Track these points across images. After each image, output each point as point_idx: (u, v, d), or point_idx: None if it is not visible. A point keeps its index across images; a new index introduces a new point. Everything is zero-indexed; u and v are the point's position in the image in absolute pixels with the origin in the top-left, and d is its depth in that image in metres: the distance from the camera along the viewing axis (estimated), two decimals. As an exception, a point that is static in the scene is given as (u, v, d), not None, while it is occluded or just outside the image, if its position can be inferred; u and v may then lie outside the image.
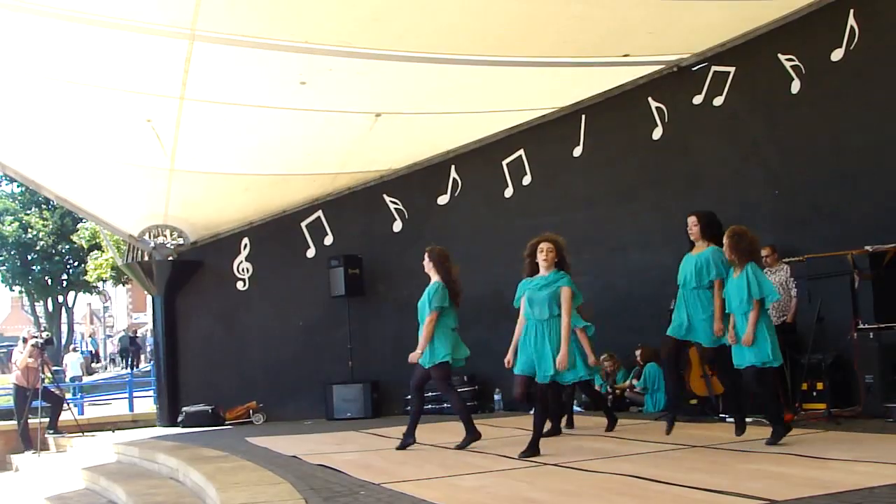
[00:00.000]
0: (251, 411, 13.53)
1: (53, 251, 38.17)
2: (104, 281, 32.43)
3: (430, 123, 11.96)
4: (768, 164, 10.24)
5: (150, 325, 24.67)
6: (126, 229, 14.08)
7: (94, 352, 44.17)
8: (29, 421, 13.49)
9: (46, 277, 40.11)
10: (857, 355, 8.33)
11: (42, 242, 37.30)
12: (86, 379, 29.41)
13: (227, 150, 11.88)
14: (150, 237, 13.98)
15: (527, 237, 7.61)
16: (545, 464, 6.70)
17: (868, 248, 8.53)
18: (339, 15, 8.69)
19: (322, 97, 10.55)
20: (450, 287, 8.16)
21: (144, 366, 33.05)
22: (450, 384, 8.27)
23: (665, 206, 10.97)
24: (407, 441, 8.22)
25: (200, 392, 13.77)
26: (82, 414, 16.88)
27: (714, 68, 10.67)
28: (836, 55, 9.42)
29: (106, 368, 43.17)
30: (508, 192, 12.83)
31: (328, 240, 14.03)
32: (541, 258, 7.22)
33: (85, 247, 30.04)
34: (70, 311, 45.61)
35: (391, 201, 13.80)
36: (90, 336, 56.92)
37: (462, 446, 7.93)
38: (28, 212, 37.60)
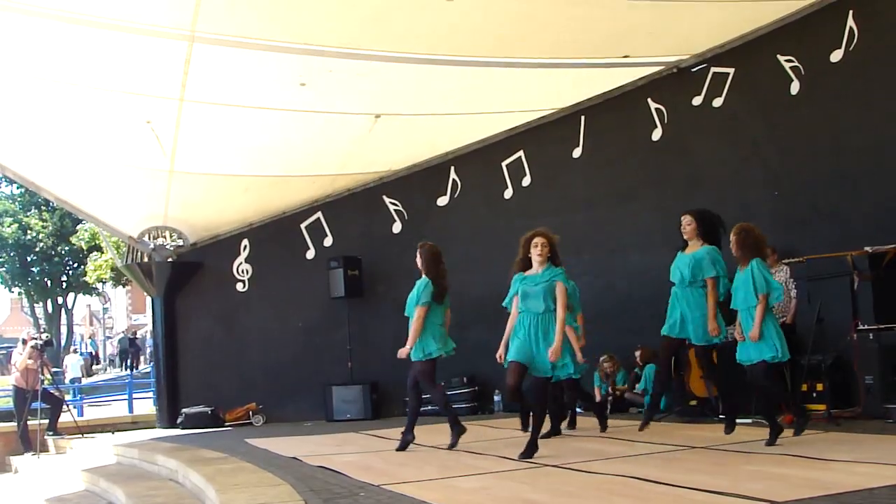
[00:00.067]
0: (251, 413, 13.54)
1: (53, 252, 38.17)
2: (104, 282, 32.41)
3: (429, 124, 11.96)
4: (768, 165, 10.24)
5: (149, 327, 24.68)
6: (126, 231, 14.08)
7: (93, 353, 44.13)
8: (28, 422, 13.49)
9: (46, 279, 40.13)
10: (857, 356, 8.33)
11: (41, 244, 37.29)
12: (85, 380, 29.40)
13: (227, 151, 11.88)
14: (149, 238, 13.97)
15: (526, 238, 7.61)
16: (545, 465, 6.69)
17: (868, 248, 8.52)
18: (339, 16, 8.70)
19: (322, 98, 10.56)
20: (436, 283, 8.21)
21: (144, 367, 33.05)
22: (434, 380, 8.30)
23: (665, 207, 10.96)
24: (406, 438, 8.23)
25: (200, 393, 13.77)
26: (82, 415, 16.88)
27: (713, 69, 10.67)
28: (836, 56, 9.42)
29: (105, 370, 43.14)
30: (508, 194, 12.83)
31: (328, 241, 14.03)
32: (535, 253, 7.18)
33: (84, 248, 30.06)
34: (69, 313, 45.62)
35: (391, 202, 13.80)
36: (90, 337, 56.92)
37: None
38: (28, 213, 37.61)
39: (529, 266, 7.26)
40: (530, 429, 7.24)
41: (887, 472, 5.34)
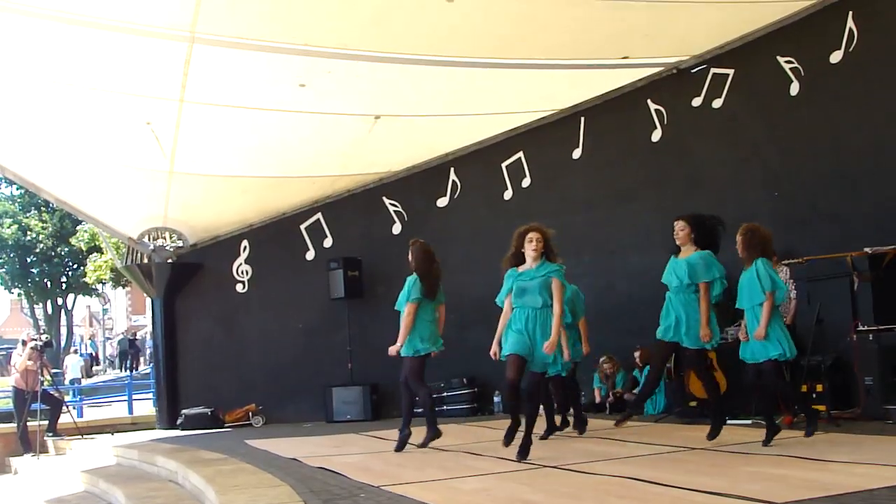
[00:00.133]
0: (251, 414, 13.54)
1: (53, 254, 38.18)
2: (103, 283, 32.42)
3: (429, 126, 11.97)
4: (767, 166, 10.25)
5: (149, 328, 24.67)
6: (125, 232, 14.08)
7: (93, 354, 44.13)
8: (28, 424, 13.48)
9: (46, 280, 40.14)
10: (857, 357, 8.33)
11: (41, 245, 37.30)
12: (85, 381, 29.39)
13: (227, 152, 11.89)
14: (149, 240, 13.98)
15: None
16: (545, 466, 6.69)
17: (867, 249, 8.52)
18: (339, 17, 8.71)
19: (321, 99, 10.56)
20: (424, 280, 8.25)
21: (144, 368, 33.04)
22: (422, 378, 8.30)
23: (665, 208, 10.94)
24: (404, 434, 8.25)
25: (200, 394, 13.77)
26: (81, 416, 16.87)
27: (713, 70, 10.68)
28: (836, 57, 9.43)
29: (105, 371, 43.14)
30: (508, 195, 12.84)
31: (327, 242, 14.03)
32: (530, 248, 7.02)
33: (84, 249, 30.06)
34: (69, 314, 45.62)
35: (390, 203, 13.81)
36: (90, 338, 56.92)
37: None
38: (27, 214, 37.61)
39: (522, 261, 7.11)
40: (523, 428, 7.13)
41: (887, 473, 5.34)
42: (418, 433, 8.27)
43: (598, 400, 11.34)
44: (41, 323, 44.46)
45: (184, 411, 13.54)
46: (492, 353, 7.16)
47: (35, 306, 45.33)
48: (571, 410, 9.18)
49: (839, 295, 8.65)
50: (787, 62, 9.89)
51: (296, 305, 14.03)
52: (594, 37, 9.76)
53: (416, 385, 8.29)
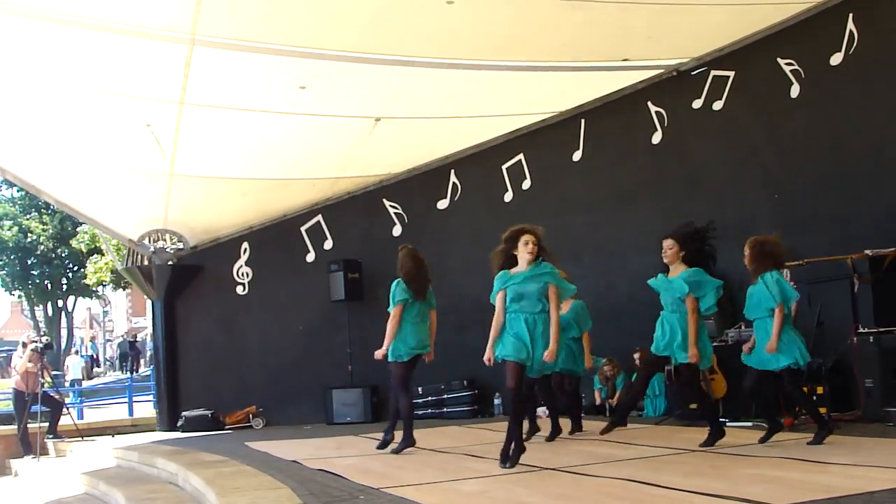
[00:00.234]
0: (251, 416, 13.54)
1: (53, 255, 38.19)
2: (104, 285, 32.42)
3: (429, 128, 11.97)
4: (767, 168, 10.25)
5: (149, 330, 24.64)
6: (126, 234, 14.08)
7: (94, 356, 44.15)
8: (28, 425, 13.48)
9: (46, 282, 40.15)
10: (857, 359, 8.33)
11: (42, 247, 37.31)
12: (86, 383, 29.39)
13: (227, 154, 11.89)
14: (149, 242, 13.99)
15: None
16: (544, 468, 6.68)
17: (868, 251, 8.53)
18: (339, 19, 8.71)
19: (322, 102, 10.56)
20: (409, 283, 8.29)
21: (144, 370, 33.03)
22: (406, 384, 8.35)
23: (665, 210, 10.97)
24: (385, 438, 8.43)
25: (200, 396, 13.77)
26: (82, 418, 16.87)
27: (713, 72, 10.68)
28: (836, 59, 9.43)
29: (106, 373, 43.15)
30: (508, 197, 12.83)
31: (328, 244, 14.03)
32: (525, 251, 6.82)
33: (84, 251, 30.08)
34: (70, 316, 45.63)
35: (391, 206, 13.80)
36: (90, 340, 56.92)
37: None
38: (28, 216, 37.62)
39: (513, 261, 6.93)
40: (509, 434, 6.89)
41: (887, 476, 5.33)
42: (419, 437, 8.28)
43: (598, 402, 11.34)
44: (41, 325, 44.49)
45: (184, 413, 13.54)
46: (486, 359, 6.85)
47: (35, 308, 45.37)
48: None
49: (839, 297, 8.65)
50: (787, 64, 9.89)
51: (296, 307, 14.03)
52: (594, 39, 9.76)
53: (398, 391, 8.36)
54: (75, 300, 45.02)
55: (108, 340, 59.67)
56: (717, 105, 10.64)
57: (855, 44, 9.25)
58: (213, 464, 8.29)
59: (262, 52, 9.04)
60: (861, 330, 8.36)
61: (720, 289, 7.41)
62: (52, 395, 14.21)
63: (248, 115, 10.68)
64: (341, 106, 10.80)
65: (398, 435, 8.30)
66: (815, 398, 8.23)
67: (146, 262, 14.16)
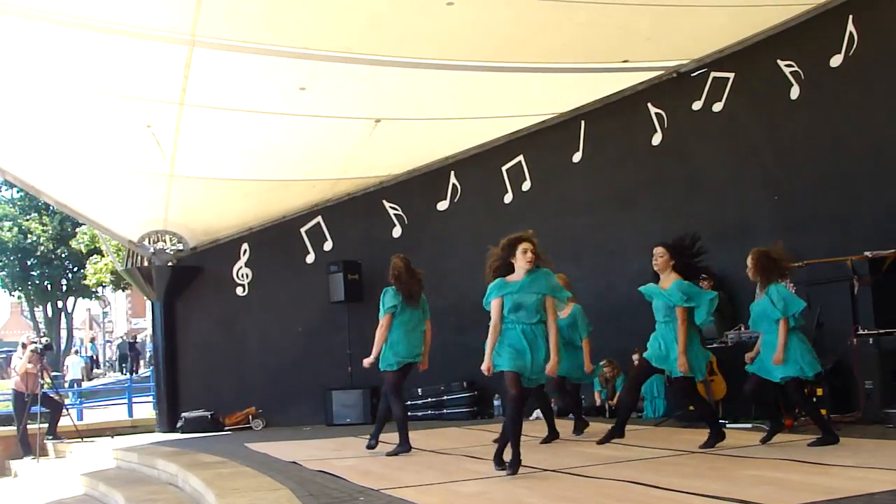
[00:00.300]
0: (250, 417, 13.53)
1: (53, 256, 38.18)
2: (103, 286, 32.42)
3: (429, 129, 11.97)
4: (767, 170, 10.25)
5: (149, 331, 24.66)
6: (126, 235, 14.08)
7: (93, 357, 44.13)
8: (28, 426, 13.48)
9: (46, 283, 40.14)
10: (857, 361, 8.33)
11: (42, 248, 37.30)
12: (85, 384, 29.39)
13: (227, 155, 11.89)
14: (149, 243, 13.99)
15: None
16: (544, 469, 6.68)
17: (867, 253, 8.53)
18: (339, 20, 8.71)
19: (322, 103, 10.56)
20: (399, 290, 8.35)
21: (144, 371, 33.04)
22: (399, 392, 8.41)
23: (665, 211, 10.99)
24: (370, 444, 8.56)
25: (200, 397, 13.76)
26: (81, 419, 16.86)
27: (713, 74, 10.68)
28: (836, 61, 9.44)
29: (105, 374, 43.15)
30: (508, 198, 12.83)
31: (328, 245, 14.03)
32: (524, 259, 6.67)
33: (84, 251, 30.08)
34: (69, 317, 45.63)
35: (391, 207, 13.80)
36: (90, 341, 56.94)
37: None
38: (27, 217, 37.61)
39: (509, 268, 6.78)
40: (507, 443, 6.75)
41: (887, 477, 5.33)
42: (418, 438, 8.28)
43: (598, 403, 11.34)
44: (41, 326, 44.48)
45: (184, 414, 13.53)
46: (485, 369, 6.67)
47: (35, 309, 45.36)
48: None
49: (839, 299, 8.65)
50: (787, 66, 9.90)
51: (296, 308, 14.02)
52: (594, 40, 9.76)
53: (391, 398, 8.40)
54: (75, 301, 45.03)
55: (108, 341, 59.66)
56: (717, 106, 10.64)
57: (855, 45, 9.25)
58: (213, 465, 8.29)
59: (262, 54, 9.04)
60: (861, 331, 8.36)
61: (714, 301, 7.42)
62: (51, 396, 14.20)
63: (248, 117, 10.68)
64: (341, 107, 10.80)
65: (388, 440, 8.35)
66: (814, 399, 8.24)
67: (146, 264, 14.16)
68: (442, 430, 10.97)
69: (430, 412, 12.98)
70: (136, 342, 40.07)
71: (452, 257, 12.83)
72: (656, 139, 11.30)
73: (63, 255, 37.98)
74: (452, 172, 13.37)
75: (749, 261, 7.42)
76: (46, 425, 13.70)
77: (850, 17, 9.27)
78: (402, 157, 13.13)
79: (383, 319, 8.32)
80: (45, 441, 13.61)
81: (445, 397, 12.89)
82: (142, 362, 37.87)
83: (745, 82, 10.38)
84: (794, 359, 7.16)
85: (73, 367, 28.56)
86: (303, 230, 14.07)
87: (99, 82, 9.58)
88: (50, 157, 11.91)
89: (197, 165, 12.00)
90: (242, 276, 14.17)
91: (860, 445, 6.95)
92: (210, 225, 13.96)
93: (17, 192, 36.34)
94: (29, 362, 13.52)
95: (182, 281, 14.14)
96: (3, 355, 34.90)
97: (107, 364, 48.36)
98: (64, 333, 44.73)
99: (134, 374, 31.55)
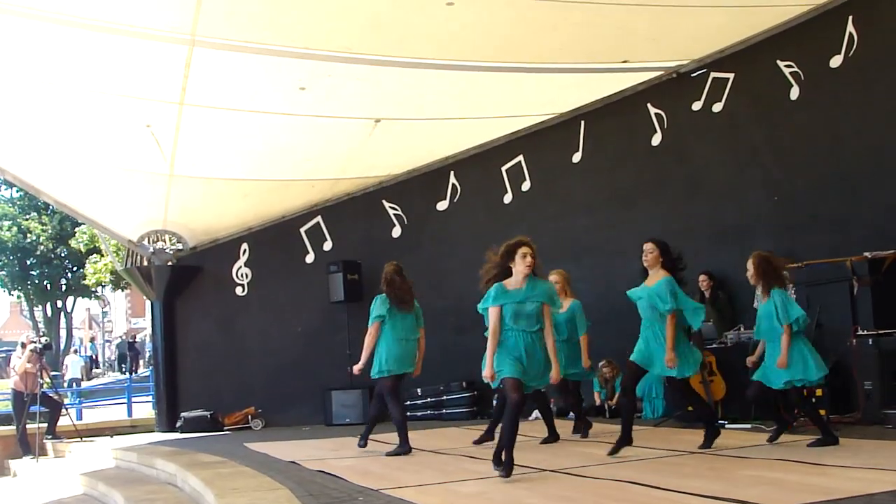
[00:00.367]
0: (250, 417, 13.52)
1: (52, 256, 38.18)
2: (103, 286, 32.43)
3: (429, 129, 11.97)
4: (767, 170, 10.25)
5: (148, 331, 24.67)
6: (125, 234, 14.08)
7: (93, 357, 44.14)
8: (27, 426, 13.48)
9: (45, 282, 40.13)
10: (856, 361, 8.33)
11: (41, 247, 37.30)
12: (85, 384, 29.39)
13: (227, 155, 11.89)
14: (149, 242, 13.98)
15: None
16: (544, 470, 6.69)
17: (867, 254, 8.54)
18: (339, 20, 8.71)
19: (321, 103, 10.56)
20: (389, 297, 8.41)
21: (143, 371, 33.06)
22: (397, 396, 8.44)
23: (664, 212, 10.99)
24: (360, 445, 8.64)
25: (199, 397, 13.76)
26: (80, 419, 16.86)
27: (713, 74, 10.69)
28: (836, 62, 9.44)
29: (104, 374, 43.16)
30: (508, 199, 12.83)
31: (327, 245, 14.02)
32: (524, 264, 6.59)
33: (83, 251, 30.10)
34: (69, 316, 45.63)
35: (390, 207, 13.80)
36: (90, 340, 56.94)
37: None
38: (27, 217, 37.60)
39: (508, 273, 6.69)
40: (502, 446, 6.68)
41: (886, 478, 5.33)
42: (418, 438, 8.28)
43: (598, 403, 11.34)
44: (41, 325, 44.48)
45: (183, 414, 13.53)
46: (488, 376, 6.58)
47: (35, 309, 45.34)
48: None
49: (839, 299, 8.65)
50: (787, 66, 9.90)
51: (295, 309, 14.02)
52: (594, 40, 9.77)
53: (388, 402, 8.42)
54: (74, 301, 45.03)
55: (108, 341, 59.67)
56: (717, 107, 10.64)
57: (855, 46, 9.25)
58: (212, 465, 8.29)
59: (262, 54, 9.04)
60: (860, 332, 8.36)
61: (700, 312, 7.43)
62: (51, 395, 14.20)
63: (248, 117, 10.68)
64: (341, 107, 10.80)
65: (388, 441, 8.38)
66: (813, 400, 8.24)
67: (145, 263, 14.15)
68: (441, 430, 10.98)
69: (429, 412, 12.99)
70: (135, 342, 40.13)
71: (452, 257, 12.83)
72: (656, 139, 11.30)
73: (62, 255, 37.98)
74: (452, 172, 13.38)
75: (750, 265, 7.43)
76: (46, 425, 13.70)
77: (850, 17, 9.28)
78: (401, 157, 13.13)
79: (371, 327, 8.42)
80: (45, 441, 13.60)
81: (445, 397, 12.89)
82: (141, 362, 37.91)
83: (745, 83, 10.39)
84: (795, 363, 7.19)
85: (73, 366, 28.58)
86: (302, 230, 14.07)
87: (99, 82, 9.58)
88: (50, 157, 11.91)
89: (197, 165, 12.00)
90: (242, 275, 14.17)
91: (859, 446, 6.96)
92: (210, 225, 13.96)
93: (17, 191, 36.35)
94: (28, 362, 13.52)
95: (182, 281, 14.14)
96: (3, 355, 34.90)
97: (106, 364, 48.37)
98: (63, 333, 44.73)
99: (133, 374, 31.58)
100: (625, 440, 7.37)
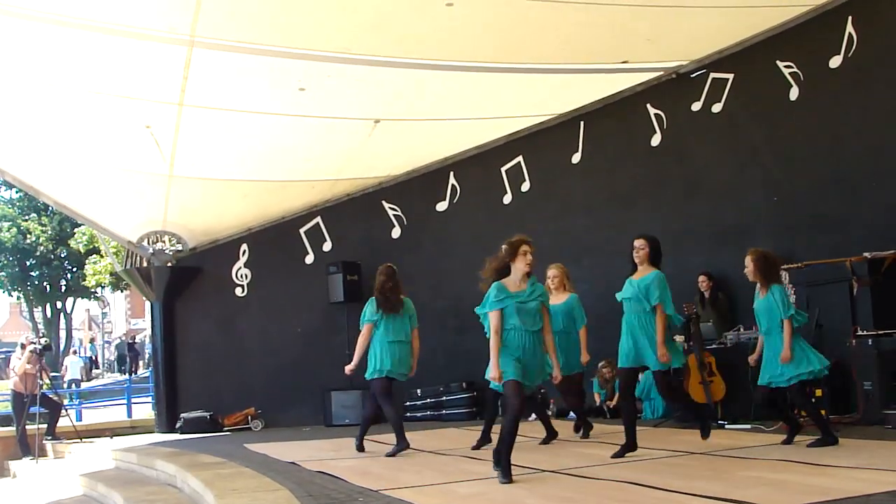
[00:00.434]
0: (249, 417, 13.51)
1: (52, 257, 38.18)
2: (103, 287, 32.44)
3: (428, 130, 11.97)
4: (767, 171, 10.25)
5: (148, 331, 24.65)
6: (125, 235, 14.07)
7: (93, 358, 44.14)
8: (27, 427, 13.47)
9: (45, 283, 40.13)
10: (856, 362, 8.33)
11: (41, 248, 37.29)
12: (85, 385, 29.39)
13: (226, 156, 11.88)
14: (148, 243, 13.97)
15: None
16: (543, 470, 6.69)
17: (867, 254, 8.54)
18: (338, 21, 8.71)
19: (321, 103, 10.56)
20: (377, 301, 8.49)
21: (143, 372, 33.06)
22: (388, 396, 8.49)
23: (664, 212, 10.99)
24: (357, 443, 8.68)
25: (199, 398, 13.74)
26: (80, 420, 16.85)
27: (712, 75, 10.69)
28: (835, 62, 9.45)
29: (104, 375, 43.16)
30: (507, 199, 12.83)
31: (327, 246, 14.02)
32: (524, 262, 6.60)
33: (82, 251, 30.13)
34: (68, 317, 45.63)
35: (390, 208, 13.80)
36: (90, 341, 56.94)
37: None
38: (27, 217, 37.60)
39: (507, 271, 6.67)
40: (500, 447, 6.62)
41: (886, 478, 5.34)
42: (418, 439, 8.28)
43: (597, 403, 11.33)
44: (40, 326, 44.47)
45: (183, 415, 13.52)
46: (496, 377, 6.49)
47: (34, 310, 45.34)
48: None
49: (838, 300, 8.66)
50: (786, 67, 9.90)
51: (295, 309, 14.01)
52: (594, 41, 9.77)
53: (382, 403, 8.49)
54: (74, 301, 45.04)
55: (107, 342, 59.68)
56: (717, 107, 10.65)
57: (854, 46, 9.26)
58: (212, 465, 8.29)
59: (262, 54, 9.04)
60: (860, 332, 8.37)
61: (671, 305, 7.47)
62: (50, 396, 14.20)
63: (248, 117, 10.68)
64: (340, 107, 10.80)
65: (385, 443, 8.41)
66: (813, 401, 8.25)
67: (145, 264, 14.14)
68: (441, 430, 10.97)
69: (429, 413, 12.98)
70: (135, 343, 40.11)
71: (452, 258, 12.83)
72: (655, 140, 11.30)
73: (62, 256, 38.00)
74: (452, 173, 13.38)
75: (748, 261, 7.44)
76: (45, 426, 13.70)
77: (850, 17, 9.28)
78: (401, 158, 13.13)
79: (363, 329, 8.54)
80: (45, 441, 13.60)
81: (444, 398, 12.89)
82: (141, 363, 37.90)
83: (745, 83, 10.39)
84: (798, 358, 7.22)
85: (72, 366, 28.56)
86: (302, 231, 14.06)
87: (98, 83, 9.58)
88: (49, 158, 11.90)
89: (196, 166, 12.00)
90: (242, 276, 14.16)
91: (859, 446, 6.96)
92: (209, 225, 13.95)
93: (17, 192, 36.35)
94: (28, 363, 13.52)
95: (181, 281, 14.13)
96: (3, 356, 34.94)
97: (106, 364, 48.37)
98: (63, 334, 44.74)
99: (133, 375, 31.57)
100: (629, 446, 7.35)
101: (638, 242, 7.68)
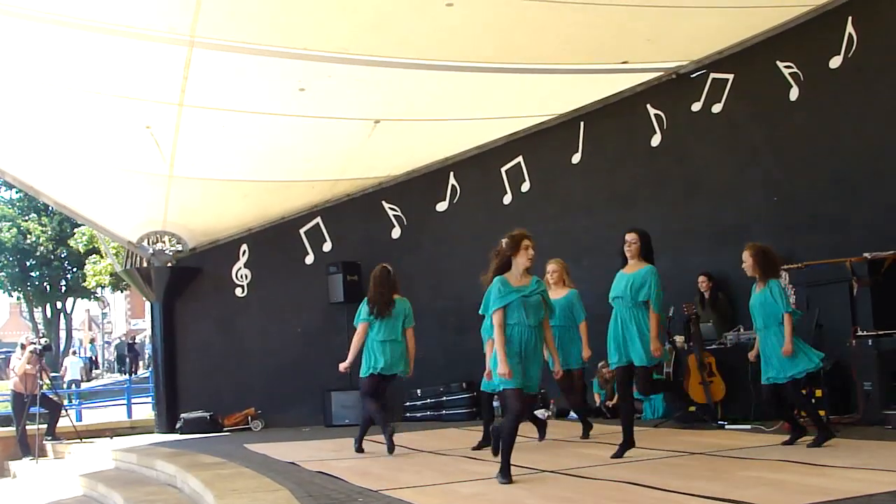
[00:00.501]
0: (249, 418, 13.51)
1: (52, 257, 38.19)
2: (103, 287, 32.46)
3: (428, 130, 11.97)
4: (767, 171, 10.25)
5: (148, 332, 24.65)
6: (125, 236, 14.06)
7: (93, 358, 44.15)
8: (27, 427, 13.47)
9: (45, 283, 40.16)
10: (856, 362, 8.33)
11: (41, 249, 37.31)
12: (85, 385, 29.39)
13: (226, 156, 11.88)
14: (148, 243, 13.97)
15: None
16: (543, 470, 6.69)
17: (867, 255, 8.53)
18: (338, 21, 8.71)
19: (321, 104, 10.56)
20: (369, 302, 8.61)
21: (143, 372, 33.07)
22: (371, 395, 8.68)
23: (664, 213, 10.99)
24: (357, 445, 8.74)
25: (199, 398, 13.74)
26: (80, 420, 16.85)
27: (713, 75, 10.69)
28: (835, 62, 9.45)
29: (103, 375, 43.16)
30: (507, 199, 12.83)
31: (327, 246, 14.02)
32: (526, 256, 6.55)
33: (82, 251, 30.15)
34: (68, 318, 45.65)
35: (390, 208, 13.80)
36: (90, 342, 56.96)
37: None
38: (26, 218, 37.62)
39: (508, 265, 6.61)
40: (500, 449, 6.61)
41: (886, 479, 5.34)
42: (418, 439, 8.28)
43: (597, 404, 11.33)
44: (40, 327, 44.49)
45: (183, 415, 13.52)
46: (505, 373, 6.33)
47: (34, 310, 45.37)
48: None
49: (838, 300, 8.66)
50: (786, 67, 9.91)
51: (295, 309, 14.01)
52: (593, 41, 9.77)
53: (364, 400, 8.74)
54: (74, 302, 45.07)
55: (107, 342, 59.70)
56: (717, 108, 10.65)
57: (854, 47, 9.26)
58: (212, 466, 8.29)
59: (262, 54, 9.04)
60: (860, 333, 8.36)
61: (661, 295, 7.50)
62: (50, 396, 14.19)
63: (248, 117, 10.68)
64: (340, 108, 10.80)
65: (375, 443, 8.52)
66: (813, 401, 8.25)
67: (145, 264, 14.14)
68: (441, 430, 10.97)
69: (429, 413, 12.98)
70: (134, 343, 40.15)
71: (452, 258, 12.84)
72: (655, 140, 11.30)
73: (62, 256, 38.01)
74: (451, 173, 13.37)
75: (747, 256, 7.41)
76: (45, 426, 13.69)
77: (850, 18, 9.28)
78: (401, 158, 13.13)
79: (358, 329, 8.64)
80: (44, 442, 13.60)
81: (445, 398, 12.88)
82: (141, 363, 37.92)
83: (745, 83, 10.39)
84: (796, 355, 7.22)
85: (72, 366, 28.56)
86: (302, 231, 14.06)
87: (98, 83, 9.58)
88: (49, 158, 11.91)
89: (196, 166, 12.00)
90: (241, 276, 14.16)
91: (859, 446, 6.96)
92: (209, 226, 13.95)
93: (17, 192, 36.37)
94: (28, 363, 13.51)
95: (181, 282, 14.13)
96: (3, 356, 34.95)
97: (106, 365, 48.37)
98: (63, 334, 44.75)
99: (133, 375, 31.57)
100: (627, 444, 7.36)
101: (630, 236, 7.70)
